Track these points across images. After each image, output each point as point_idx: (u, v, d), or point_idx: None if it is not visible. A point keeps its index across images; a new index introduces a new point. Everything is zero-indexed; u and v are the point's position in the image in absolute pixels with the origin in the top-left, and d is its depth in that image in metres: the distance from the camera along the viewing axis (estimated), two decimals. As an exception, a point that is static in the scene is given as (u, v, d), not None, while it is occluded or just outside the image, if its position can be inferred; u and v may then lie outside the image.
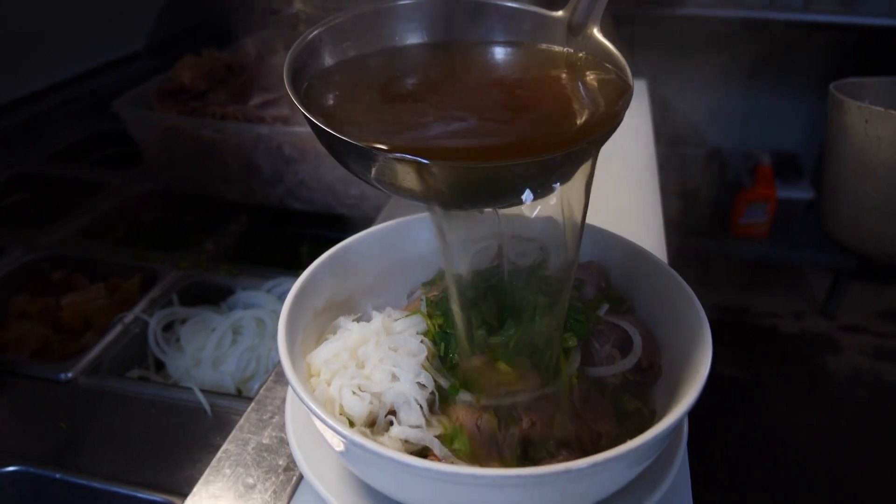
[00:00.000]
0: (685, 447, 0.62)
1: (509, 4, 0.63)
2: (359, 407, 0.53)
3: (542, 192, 0.50)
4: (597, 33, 0.59)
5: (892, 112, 1.09)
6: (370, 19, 0.61)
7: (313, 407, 0.50)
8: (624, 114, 0.51)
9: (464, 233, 0.54)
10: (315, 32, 0.58)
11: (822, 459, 2.36)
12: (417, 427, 0.54)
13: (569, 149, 0.48)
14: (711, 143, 3.37)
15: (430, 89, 0.57)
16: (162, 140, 1.32)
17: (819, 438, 2.46)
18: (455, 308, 0.55)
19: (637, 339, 0.61)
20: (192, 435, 0.87)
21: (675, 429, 0.53)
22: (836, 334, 3.04)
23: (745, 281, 3.29)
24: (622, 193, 1.20)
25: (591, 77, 0.56)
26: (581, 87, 0.55)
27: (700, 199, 3.27)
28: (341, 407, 0.54)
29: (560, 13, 0.61)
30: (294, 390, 0.52)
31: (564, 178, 0.51)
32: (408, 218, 0.74)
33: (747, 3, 2.94)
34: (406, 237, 0.73)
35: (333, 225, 1.33)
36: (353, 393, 0.54)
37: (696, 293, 0.61)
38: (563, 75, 0.57)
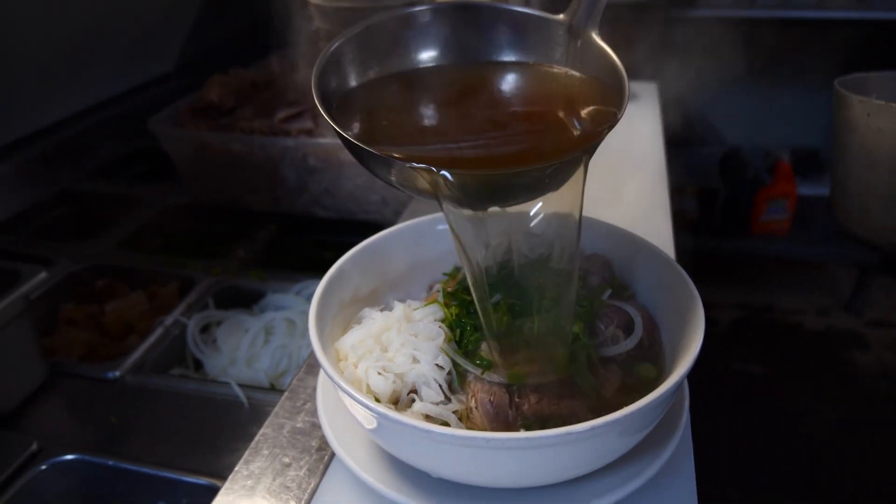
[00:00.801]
0: (687, 418, 0.66)
1: (515, 8, 0.69)
2: (383, 385, 0.59)
3: (538, 193, 0.57)
4: (596, 37, 0.65)
5: (893, 105, 1.13)
6: (385, 26, 0.67)
7: (343, 385, 0.56)
8: (607, 133, 0.57)
9: (476, 231, 0.60)
10: (335, 45, 0.64)
11: (850, 455, 2.35)
12: (437, 404, 0.60)
13: (558, 160, 0.54)
14: (730, 142, 3.39)
15: (445, 108, 0.64)
16: (194, 155, 1.40)
17: (847, 434, 2.45)
18: (475, 298, 0.61)
19: (638, 321, 0.66)
20: (230, 425, 0.94)
21: (671, 398, 0.58)
22: (862, 330, 3.02)
23: (767, 279, 3.28)
24: (632, 193, 1.24)
25: (584, 98, 0.62)
26: (574, 108, 0.61)
27: (719, 198, 3.28)
28: (368, 386, 0.60)
29: (561, 16, 0.67)
30: (325, 371, 0.58)
31: (558, 183, 0.57)
32: (427, 217, 0.80)
33: (760, 3, 2.96)
34: (426, 235, 0.79)
35: (357, 230, 1.39)
36: (378, 373, 0.60)
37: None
38: (561, 96, 0.63)
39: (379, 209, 1.34)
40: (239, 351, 1.12)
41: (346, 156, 1.29)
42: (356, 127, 0.59)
